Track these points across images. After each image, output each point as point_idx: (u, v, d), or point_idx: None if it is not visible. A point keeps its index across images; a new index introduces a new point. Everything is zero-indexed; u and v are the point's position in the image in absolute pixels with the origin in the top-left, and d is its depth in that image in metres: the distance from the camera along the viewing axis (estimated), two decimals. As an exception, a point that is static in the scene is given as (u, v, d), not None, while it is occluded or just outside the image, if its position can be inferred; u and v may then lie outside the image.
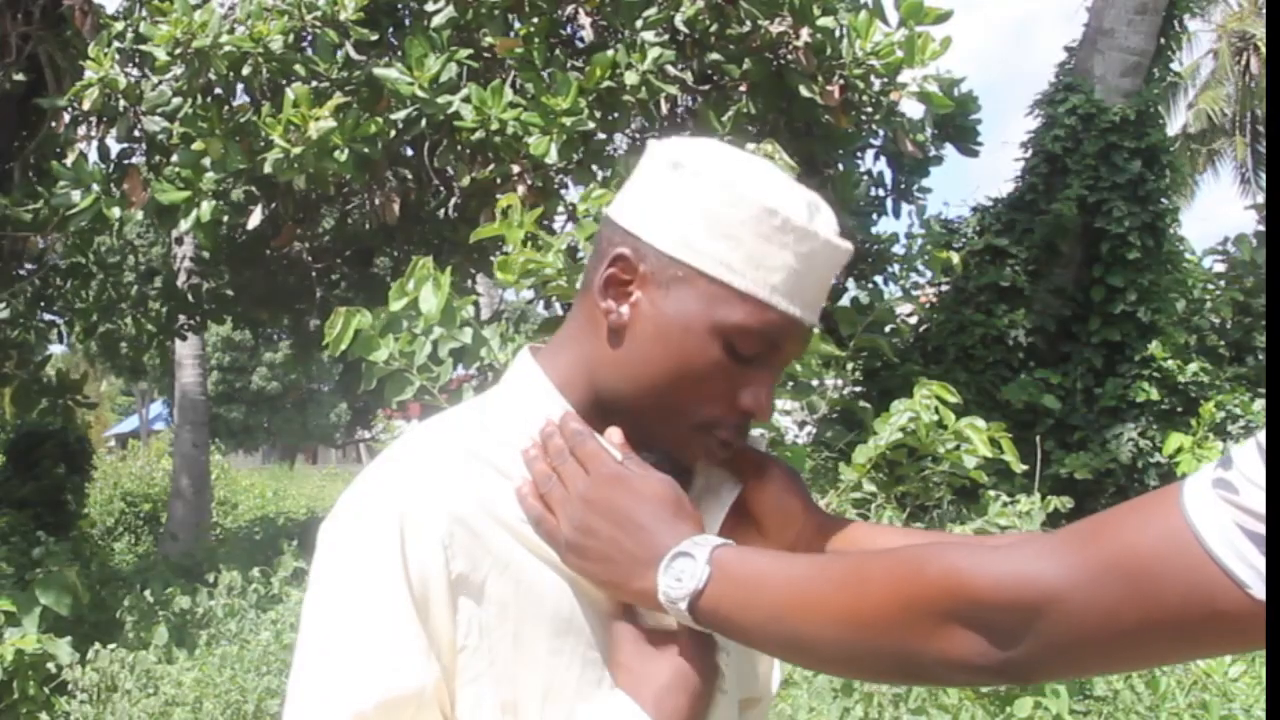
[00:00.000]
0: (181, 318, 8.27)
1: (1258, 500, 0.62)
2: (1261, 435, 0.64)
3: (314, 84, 4.98)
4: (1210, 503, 0.64)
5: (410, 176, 6.17)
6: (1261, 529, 0.61)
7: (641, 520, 0.84)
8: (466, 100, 4.77)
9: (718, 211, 0.87)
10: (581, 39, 5.57)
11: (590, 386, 0.92)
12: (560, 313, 5.01)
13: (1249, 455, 0.64)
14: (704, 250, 0.87)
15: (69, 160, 5.57)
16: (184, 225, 5.19)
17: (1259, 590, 0.61)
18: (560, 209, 5.60)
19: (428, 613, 0.84)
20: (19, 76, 6.13)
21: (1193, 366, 6.79)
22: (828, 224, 0.90)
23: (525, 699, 0.85)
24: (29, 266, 7.36)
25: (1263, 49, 20.56)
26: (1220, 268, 7.79)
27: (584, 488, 0.86)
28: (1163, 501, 0.67)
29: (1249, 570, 0.61)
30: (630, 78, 4.79)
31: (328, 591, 0.86)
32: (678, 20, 5.03)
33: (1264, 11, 20.52)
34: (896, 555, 0.77)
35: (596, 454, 0.87)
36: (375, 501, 0.87)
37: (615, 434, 0.90)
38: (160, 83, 5.09)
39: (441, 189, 6.12)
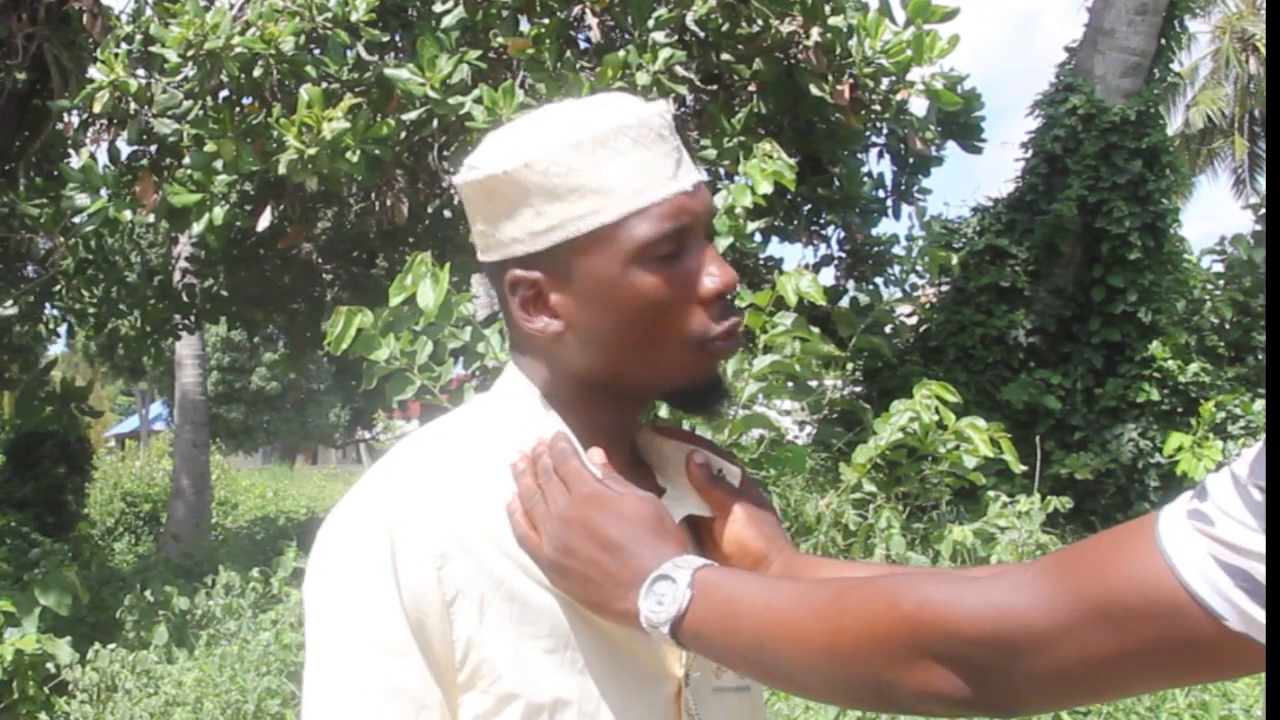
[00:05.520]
0: (177, 317, 8.27)
1: (1232, 532, 0.62)
2: (1236, 465, 0.64)
3: (325, 85, 4.98)
4: (1185, 535, 0.64)
5: (412, 177, 6.17)
6: (1236, 561, 0.61)
7: (621, 540, 0.83)
8: (478, 101, 4.77)
9: (540, 185, 0.86)
10: (589, 39, 5.57)
11: (581, 391, 0.93)
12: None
13: (1224, 486, 0.64)
14: (562, 220, 0.87)
15: (78, 163, 5.56)
16: (197, 228, 5.19)
17: (1235, 622, 0.61)
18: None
19: (424, 634, 0.83)
20: (23, 76, 6.13)
21: (1193, 367, 6.79)
22: (621, 105, 0.89)
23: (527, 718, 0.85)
24: (35, 267, 7.36)
25: (1261, 49, 20.57)
26: (1219, 268, 7.79)
27: (563, 506, 0.85)
28: (1138, 533, 0.67)
29: (1224, 603, 0.62)
30: (641, 78, 4.79)
31: (325, 618, 0.85)
32: (689, 20, 5.03)
33: (1263, 12, 20.53)
34: (874, 586, 0.77)
35: (578, 473, 0.86)
36: (366, 521, 0.86)
37: (597, 454, 0.89)
38: (171, 85, 5.09)
39: (446, 189, 6.12)
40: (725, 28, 5.18)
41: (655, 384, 0.91)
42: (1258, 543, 0.61)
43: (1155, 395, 6.73)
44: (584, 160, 0.86)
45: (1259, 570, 0.61)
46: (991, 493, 4.78)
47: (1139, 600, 0.65)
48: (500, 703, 0.84)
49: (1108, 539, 0.70)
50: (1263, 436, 0.64)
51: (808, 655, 0.77)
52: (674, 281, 0.88)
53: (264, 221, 5.88)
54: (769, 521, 0.97)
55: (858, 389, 6.77)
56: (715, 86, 5.53)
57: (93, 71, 5.41)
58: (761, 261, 6.25)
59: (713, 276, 0.89)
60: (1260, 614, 0.61)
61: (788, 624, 0.78)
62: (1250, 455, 0.64)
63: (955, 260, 6.26)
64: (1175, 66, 8.30)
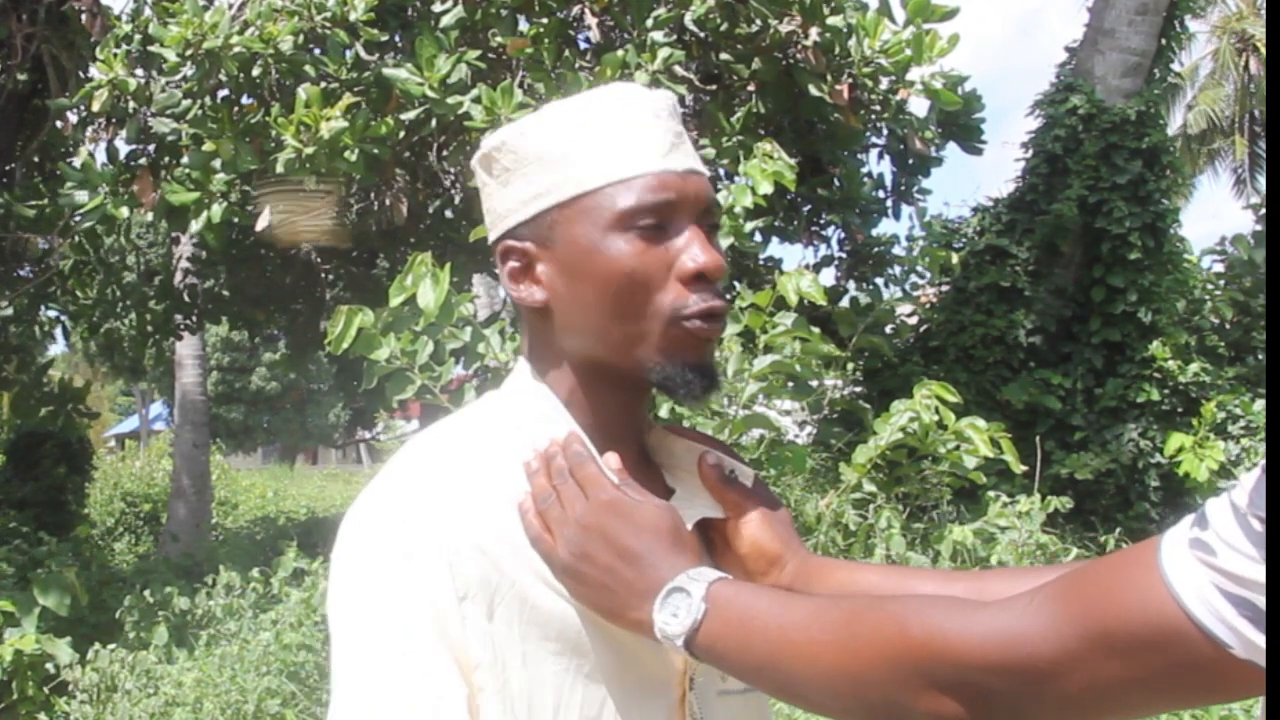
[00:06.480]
0: (178, 317, 8.26)
1: (1233, 562, 0.63)
2: (1235, 494, 0.65)
3: (324, 84, 4.98)
4: (1187, 564, 0.65)
5: (411, 177, 6.17)
6: (1239, 590, 0.63)
7: (638, 550, 0.84)
8: (477, 101, 4.77)
9: (533, 153, 0.91)
10: (588, 39, 5.56)
11: (577, 376, 0.93)
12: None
13: (1224, 515, 0.65)
14: (550, 186, 0.90)
15: (77, 162, 5.56)
16: (195, 226, 5.19)
17: (1240, 650, 0.63)
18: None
19: (442, 629, 0.83)
20: (23, 76, 6.13)
21: (1193, 367, 6.79)
22: (625, 88, 0.94)
23: (535, 718, 0.85)
24: (31, 267, 7.36)
25: (1261, 49, 20.57)
26: (1219, 268, 7.79)
27: (581, 512, 0.85)
28: (1142, 560, 0.68)
29: (1229, 632, 0.63)
30: (640, 78, 4.79)
31: (347, 619, 0.86)
32: (688, 19, 5.03)
33: (1263, 12, 20.52)
34: (884, 610, 0.78)
35: (596, 478, 0.86)
36: (380, 520, 0.87)
37: (613, 459, 0.89)
38: (170, 84, 5.09)
39: (445, 189, 6.13)
40: (724, 27, 5.18)
41: (638, 363, 0.90)
42: (1259, 573, 0.62)
43: (1155, 395, 6.72)
44: (578, 131, 0.90)
45: (1261, 600, 0.62)
46: (991, 493, 4.78)
47: (1145, 629, 0.66)
48: (506, 704, 0.84)
49: (1112, 565, 0.71)
50: (1260, 462, 0.65)
51: (820, 675, 0.78)
52: (652, 254, 0.88)
53: (263, 221, 5.87)
54: (783, 523, 0.97)
55: (858, 389, 6.77)
56: (714, 86, 5.53)
57: (92, 71, 5.41)
58: (761, 262, 6.24)
59: (695, 258, 0.89)
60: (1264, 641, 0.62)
61: (801, 644, 0.79)
62: (1249, 483, 0.64)
63: (955, 260, 6.26)
64: (1175, 66, 8.30)
